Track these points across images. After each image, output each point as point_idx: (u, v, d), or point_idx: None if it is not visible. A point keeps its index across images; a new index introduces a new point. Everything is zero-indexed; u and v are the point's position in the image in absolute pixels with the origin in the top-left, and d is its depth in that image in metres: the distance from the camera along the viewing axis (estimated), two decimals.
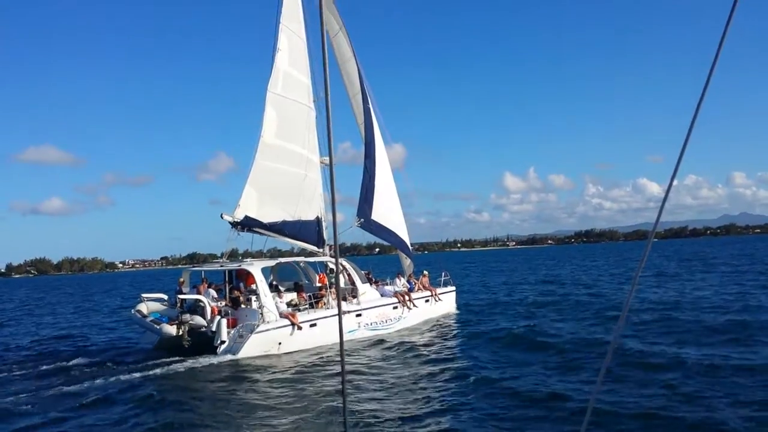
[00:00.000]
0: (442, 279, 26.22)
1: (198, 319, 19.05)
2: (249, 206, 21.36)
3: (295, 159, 22.46)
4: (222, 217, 21.17)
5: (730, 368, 13.27)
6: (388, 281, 24.47)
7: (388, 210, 24.64)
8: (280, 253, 24.93)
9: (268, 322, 18.50)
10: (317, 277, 23.78)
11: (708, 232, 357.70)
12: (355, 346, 19.23)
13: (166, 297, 21.19)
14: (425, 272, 25.60)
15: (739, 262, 58.02)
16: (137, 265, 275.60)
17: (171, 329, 18.80)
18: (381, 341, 20.09)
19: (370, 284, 23.06)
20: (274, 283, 22.47)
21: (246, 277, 20.77)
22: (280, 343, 18.71)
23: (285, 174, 22.23)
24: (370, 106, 24.09)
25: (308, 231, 22.92)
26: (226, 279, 21.42)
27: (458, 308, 26.81)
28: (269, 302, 19.03)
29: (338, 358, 17.80)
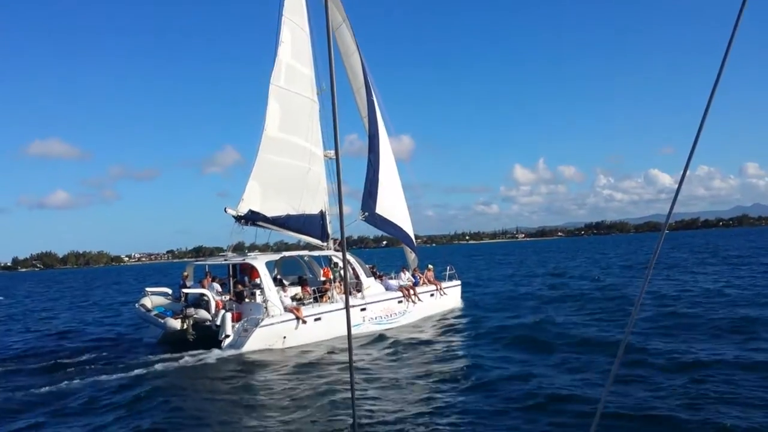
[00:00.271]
0: (447, 273, 26.06)
1: (202, 313, 19.07)
2: (253, 200, 21.29)
3: (298, 152, 22.36)
4: (226, 211, 21.13)
5: (743, 366, 12.97)
6: (392, 275, 24.37)
7: (392, 204, 24.50)
8: (287, 246, 24.88)
9: (272, 316, 18.47)
10: (321, 271, 23.71)
11: (720, 223, 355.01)
12: (360, 341, 19.16)
13: (170, 291, 21.20)
14: (430, 266, 25.49)
15: (749, 254, 57.46)
16: (143, 259, 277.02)
17: (175, 323, 18.81)
18: (386, 336, 20.02)
19: (375, 278, 22.97)
20: (278, 277, 22.44)
21: (250, 271, 20.75)
22: (284, 337, 18.68)
23: (289, 167, 22.14)
24: (374, 98, 23.93)
25: (312, 225, 22.84)
26: (230, 273, 21.41)
27: (463, 302, 26.65)
28: (273, 296, 19.00)
29: (343, 352, 17.76)
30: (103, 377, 15.26)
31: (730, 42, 2.41)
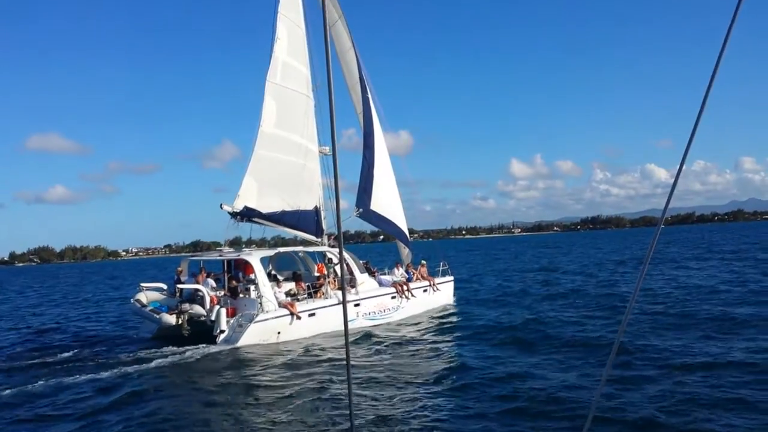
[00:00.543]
0: (441, 268, 26.25)
1: (197, 309, 19.21)
2: (248, 196, 21.42)
3: (294, 149, 22.50)
4: (222, 208, 21.25)
5: (738, 365, 12.92)
6: (386, 271, 24.56)
7: (387, 200, 24.65)
8: (284, 242, 25.03)
9: (267, 311, 18.63)
10: (316, 267, 23.87)
11: (716, 218, 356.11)
12: (354, 336, 19.32)
13: (164, 286, 21.35)
14: (423, 262, 25.65)
15: (742, 249, 57.73)
16: (141, 253, 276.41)
17: (170, 318, 18.97)
18: (379, 331, 20.21)
19: (369, 274, 23.14)
20: (273, 272, 22.59)
21: (245, 266, 20.90)
22: (279, 333, 18.86)
23: (284, 164, 22.28)
24: (369, 95, 24.02)
25: (307, 221, 23.01)
26: (225, 268, 21.56)
27: (456, 298, 26.85)
28: (268, 292, 19.15)
29: (337, 348, 17.94)
30: (97, 373, 15.31)
31: (726, 36, 2.40)
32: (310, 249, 23.93)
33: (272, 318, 18.66)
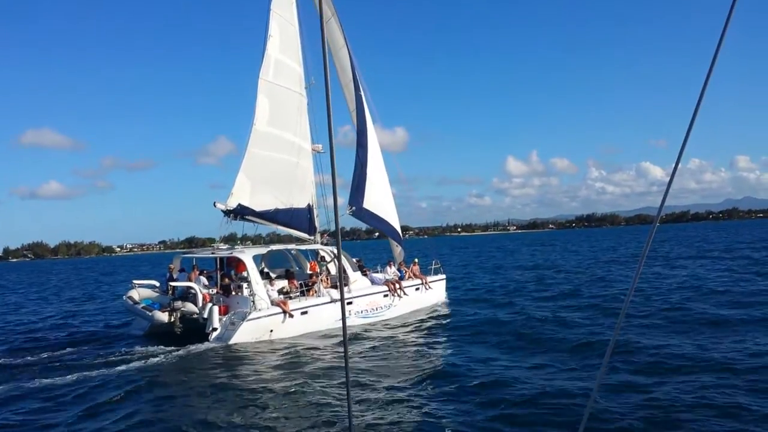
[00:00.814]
0: (433, 267, 26.29)
1: (190, 306, 19.24)
2: (242, 194, 21.43)
3: (287, 147, 22.51)
4: (215, 206, 21.25)
5: (731, 367, 12.78)
6: (378, 269, 24.61)
7: (379, 198, 24.68)
8: (279, 238, 25.03)
9: (259, 309, 18.66)
10: (308, 265, 23.89)
11: (710, 216, 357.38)
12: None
13: (157, 284, 21.34)
14: (416, 260, 25.70)
15: (735, 248, 57.98)
16: (135, 249, 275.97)
17: (163, 316, 19.00)
18: (371, 329, 20.25)
19: (361, 273, 23.18)
20: (265, 270, 22.61)
21: (237, 264, 20.91)
22: (271, 331, 18.89)
23: (277, 162, 22.29)
24: (362, 93, 24.05)
25: (300, 218, 23.04)
26: (218, 266, 21.56)
27: (448, 296, 26.90)
28: (260, 290, 19.17)
29: (330, 346, 18.00)
30: (89, 372, 15.28)
31: (722, 36, 2.40)
32: (303, 247, 23.94)
33: (265, 316, 18.69)
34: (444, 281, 26.76)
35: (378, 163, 24.85)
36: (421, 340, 18.45)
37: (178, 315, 19.06)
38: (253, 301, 18.74)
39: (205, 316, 18.68)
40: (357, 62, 24.29)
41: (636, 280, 2.90)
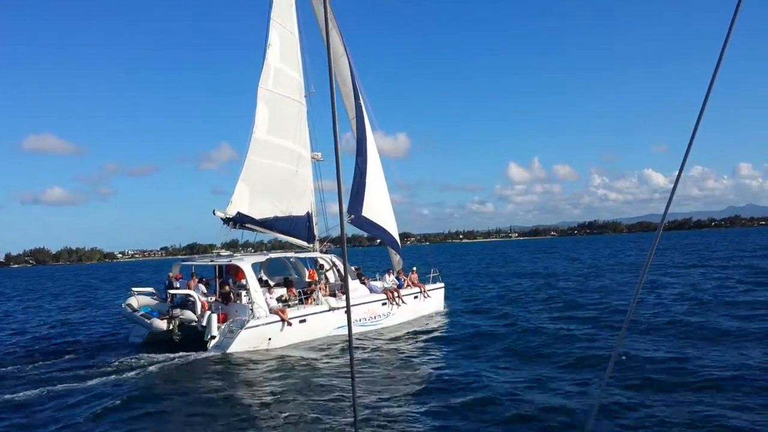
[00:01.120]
0: (431, 275, 26.33)
1: (188, 314, 19.27)
2: (241, 202, 21.52)
3: (286, 155, 22.62)
4: (215, 214, 21.33)
5: (732, 380, 12.62)
6: (377, 277, 24.65)
7: (378, 206, 24.77)
8: (281, 245, 25.07)
9: (258, 317, 18.70)
10: (307, 273, 23.93)
11: (713, 224, 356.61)
12: (343, 343, 19.39)
13: (155, 291, 21.42)
14: (414, 269, 25.75)
15: (735, 256, 57.87)
16: (137, 255, 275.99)
17: (161, 324, 19.05)
18: (369, 338, 20.27)
19: (359, 281, 23.22)
20: (264, 278, 22.66)
21: (236, 272, 20.95)
22: (269, 339, 18.92)
23: (276, 170, 22.39)
24: (362, 102, 24.22)
25: (299, 227, 23.11)
26: (217, 274, 21.62)
27: (446, 305, 26.90)
28: (259, 298, 19.22)
29: (328, 354, 18.04)
30: (87, 380, 15.28)
31: (725, 42, 2.39)
32: (302, 255, 24.00)
33: (263, 324, 18.73)
34: (442, 289, 26.76)
35: (377, 172, 24.94)
36: (418, 350, 18.43)
37: (177, 323, 19.13)
38: (252, 309, 18.79)
39: (204, 323, 18.73)
40: (356, 70, 24.45)
41: (638, 292, 2.92)
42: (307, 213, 23.43)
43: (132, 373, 15.92)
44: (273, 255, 23.35)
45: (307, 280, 23.24)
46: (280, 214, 22.42)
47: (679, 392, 11.96)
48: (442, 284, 26.79)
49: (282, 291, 21.24)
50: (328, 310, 20.61)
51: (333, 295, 21.76)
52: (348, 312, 3.05)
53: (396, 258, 26.74)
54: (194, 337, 18.74)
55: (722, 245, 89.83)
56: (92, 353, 19.32)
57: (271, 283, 22.18)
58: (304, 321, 19.84)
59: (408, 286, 24.62)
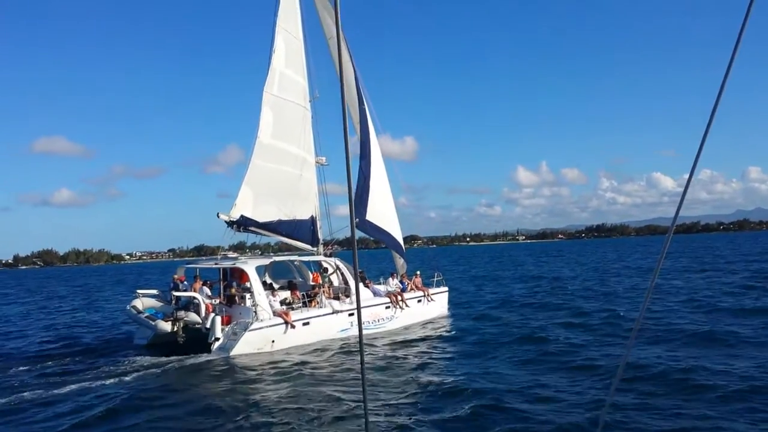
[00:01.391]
0: (435, 279, 26.39)
1: (193, 316, 19.45)
2: (245, 206, 21.69)
3: (290, 159, 22.80)
4: (219, 217, 21.51)
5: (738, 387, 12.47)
6: (381, 281, 24.76)
7: (382, 210, 24.90)
8: (288, 247, 25.21)
9: (261, 320, 18.87)
10: (311, 276, 24.08)
11: (721, 227, 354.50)
12: (346, 346, 19.52)
13: (160, 293, 21.61)
14: (418, 272, 25.83)
15: (739, 260, 57.54)
16: (144, 257, 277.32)
17: (166, 325, 19.21)
18: (372, 341, 20.35)
19: (363, 284, 23.33)
20: (269, 281, 22.82)
21: (240, 275, 21.13)
22: (273, 341, 19.08)
23: (281, 174, 22.56)
24: (366, 107, 24.38)
25: (303, 230, 23.28)
26: (221, 277, 21.80)
27: (450, 309, 26.92)
28: (263, 300, 19.38)
29: (331, 356, 18.16)
30: (92, 382, 15.42)
31: (736, 45, 2.37)
32: (306, 258, 24.17)
33: (267, 326, 18.90)
34: (446, 293, 26.81)
35: (381, 176, 25.09)
36: (422, 354, 18.46)
37: (181, 324, 19.28)
38: (255, 312, 18.95)
39: (208, 326, 18.89)
40: (360, 75, 24.62)
41: (647, 299, 2.88)
42: (312, 217, 23.59)
43: (136, 375, 16.08)
44: (277, 258, 23.50)
45: (311, 283, 23.39)
46: (284, 218, 22.60)
47: (689, 401, 11.73)
48: (446, 288, 26.85)
49: (286, 294, 21.39)
50: (332, 313, 20.76)
51: (336, 298, 21.91)
52: (359, 317, 3.09)
53: (400, 262, 26.83)
54: (198, 339, 18.91)
55: (729, 249, 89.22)
56: (97, 355, 19.51)
57: (276, 286, 22.34)
58: (307, 324, 19.99)
59: (412, 289, 24.72)
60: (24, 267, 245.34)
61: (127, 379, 15.74)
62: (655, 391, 12.42)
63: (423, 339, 20.92)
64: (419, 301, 24.63)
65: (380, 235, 25.20)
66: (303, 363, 17.27)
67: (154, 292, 21.96)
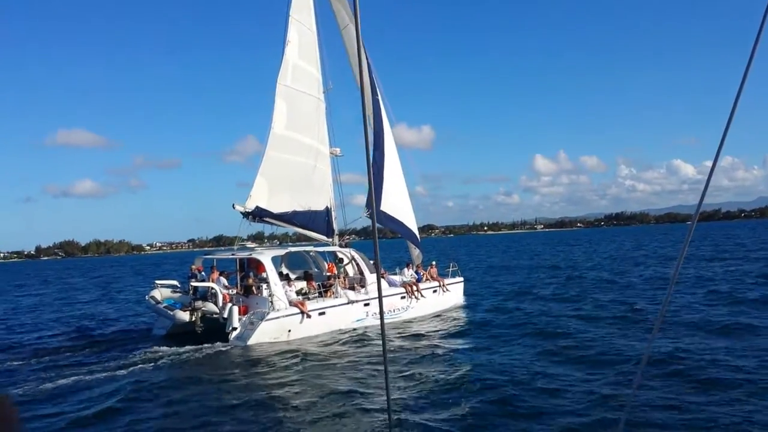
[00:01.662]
0: (450, 269, 26.41)
1: (210, 306, 19.75)
2: (260, 197, 21.89)
3: (304, 150, 22.92)
4: (234, 208, 21.74)
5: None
6: (396, 271, 24.84)
7: (396, 201, 24.94)
8: (306, 238, 25.38)
9: (277, 309, 19.09)
10: (326, 266, 24.24)
11: (743, 215, 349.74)
12: (362, 336, 19.66)
13: (178, 284, 21.92)
14: (433, 263, 25.86)
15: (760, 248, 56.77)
16: (164, 248, 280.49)
17: (184, 315, 19.53)
18: (387, 331, 20.41)
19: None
20: (285, 271, 23.02)
21: (257, 265, 21.36)
22: (289, 331, 19.30)
23: (295, 165, 22.71)
24: (379, 97, 24.36)
25: (318, 221, 23.43)
26: (238, 267, 22.05)
27: (466, 299, 26.91)
28: (279, 290, 19.59)
29: (345, 345, 18.34)
30: (114, 371, 15.73)
31: (759, 30, 2.33)
32: (321, 249, 24.34)
33: (283, 316, 19.12)
34: (462, 284, 26.80)
35: (395, 166, 25.11)
36: (436, 344, 18.46)
37: (199, 314, 19.57)
38: (272, 302, 19.17)
39: (225, 315, 19.16)
40: (374, 66, 24.59)
41: (670, 291, 2.87)
42: (326, 207, 23.73)
43: (154, 365, 16.36)
44: (293, 249, 23.68)
45: (326, 273, 23.57)
46: (299, 208, 22.76)
47: (715, 394, 11.49)
48: (462, 278, 26.86)
49: (302, 284, 21.60)
50: (347, 303, 20.92)
51: (352, 288, 22.06)
52: (380, 306, 3.10)
53: (415, 252, 26.88)
54: (216, 328, 19.19)
55: (750, 238, 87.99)
56: (117, 345, 19.86)
57: (292, 277, 22.54)
58: (323, 313, 20.18)
59: (427, 280, 24.77)
60: (45, 258, 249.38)
61: (145, 368, 16.03)
62: (677, 386, 12.11)
63: (438, 330, 20.96)
64: (434, 291, 24.66)
65: (394, 225, 25.25)
66: (319, 352, 17.46)
67: (173, 282, 22.28)
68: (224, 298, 19.75)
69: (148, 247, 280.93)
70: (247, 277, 21.21)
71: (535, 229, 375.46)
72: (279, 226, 23.06)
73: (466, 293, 27.25)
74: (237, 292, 20.56)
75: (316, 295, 20.98)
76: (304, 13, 23.00)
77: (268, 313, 18.83)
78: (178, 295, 21.21)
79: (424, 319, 23.00)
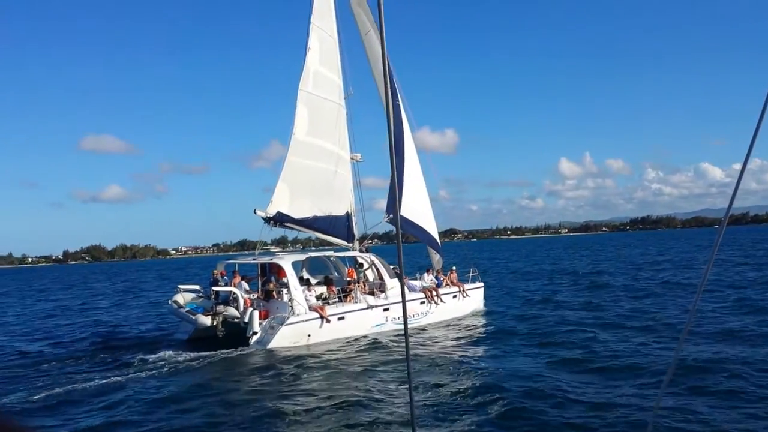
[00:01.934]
0: (471, 275, 26.28)
1: (231, 311, 19.94)
2: (281, 202, 22.09)
3: (325, 156, 23.08)
4: (255, 213, 21.96)
5: None
6: (417, 276, 24.82)
7: (416, 206, 24.95)
8: (329, 242, 25.48)
9: (297, 314, 19.24)
10: (347, 271, 24.32)
11: None
12: (381, 341, 19.66)
13: (200, 288, 22.17)
14: (454, 268, 25.76)
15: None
16: (189, 252, 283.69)
17: (206, 320, 19.76)
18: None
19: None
20: (305, 276, 23.15)
21: (278, 270, 21.52)
22: (309, 335, 19.42)
23: (316, 170, 22.88)
24: (400, 102, 24.45)
25: (338, 226, 23.55)
26: (259, 272, 22.23)
27: (486, 304, 26.73)
28: (299, 295, 19.73)
29: (364, 350, 18.37)
30: (137, 374, 15.99)
31: None
32: (341, 254, 24.45)
33: (303, 321, 19.25)
34: (482, 289, 26.63)
35: (415, 171, 25.14)
36: (455, 350, 18.41)
37: (221, 319, 19.77)
38: (292, 306, 19.30)
39: (246, 320, 19.34)
40: (395, 71, 24.66)
41: (698, 298, 2.80)
42: (347, 213, 23.85)
43: (176, 369, 16.56)
44: (313, 254, 23.82)
45: (346, 278, 23.64)
46: (319, 214, 22.91)
47: (742, 407, 11.25)
48: (482, 284, 26.70)
49: (322, 289, 21.71)
50: (367, 308, 20.97)
51: (371, 293, 22.10)
52: (404, 311, 3.09)
53: (436, 257, 26.83)
54: (237, 333, 19.37)
55: None
56: (140, 349, 20.01)
57: (313, 281, 22.66)
58: (342, 318, 20.27)
59: (447, 285, 24.70)
60: (73, 262, 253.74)
61: (167, 372, 16.24)
62: (705, 395, 11.95)
63: (457, 335, 20.87)
64: (454, 296, 24.58)
65: (414, 230, 25.25)
66: (338, 358, 17.54)
67: (195, 287, 22.54)
68: (245, 302, 19.93)
69: (173, 252, 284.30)
70: (268, 281, 21.38)
71: (560, 233, 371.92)
72: (300, 231, 23.22)
73: (486, 298, 27.10)
74: (258, 297, 20.74)
75: (336, 300, 21.08)
76: (325, 19, 23.19)
77: (288, 318, 18.98)
78: (201, 299, 21.45)
79: (444, 324, 22.91)
